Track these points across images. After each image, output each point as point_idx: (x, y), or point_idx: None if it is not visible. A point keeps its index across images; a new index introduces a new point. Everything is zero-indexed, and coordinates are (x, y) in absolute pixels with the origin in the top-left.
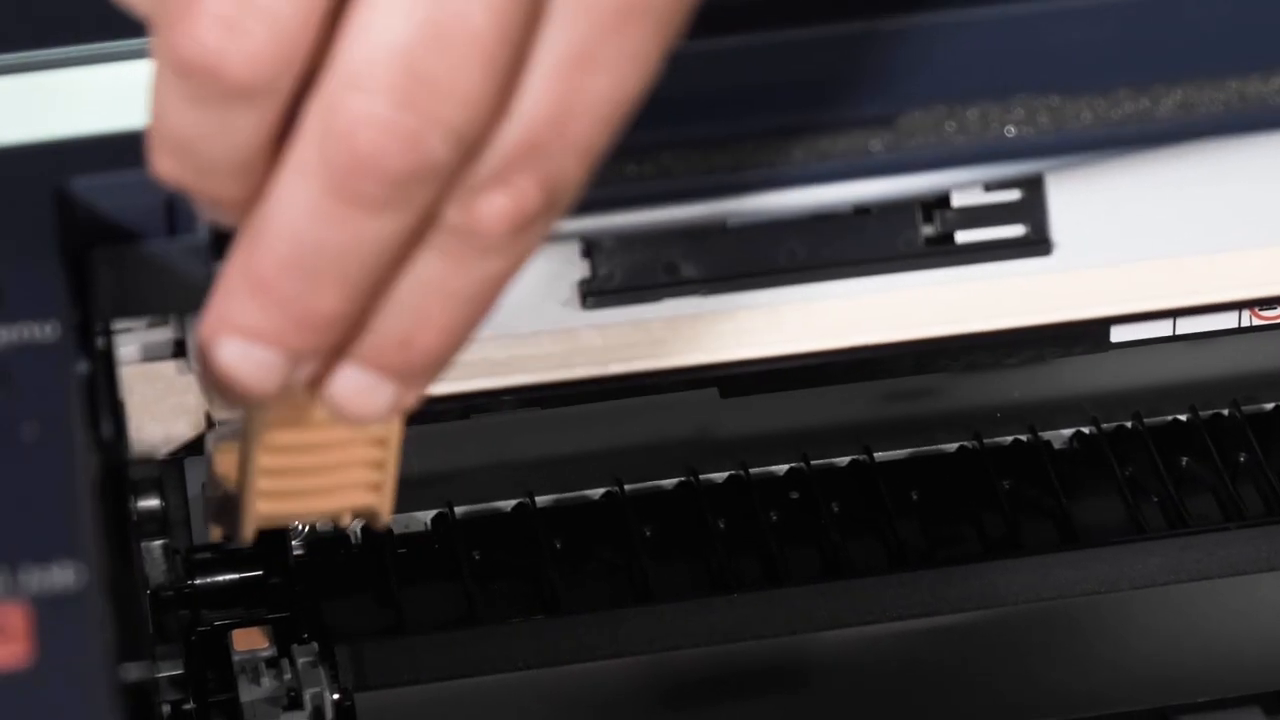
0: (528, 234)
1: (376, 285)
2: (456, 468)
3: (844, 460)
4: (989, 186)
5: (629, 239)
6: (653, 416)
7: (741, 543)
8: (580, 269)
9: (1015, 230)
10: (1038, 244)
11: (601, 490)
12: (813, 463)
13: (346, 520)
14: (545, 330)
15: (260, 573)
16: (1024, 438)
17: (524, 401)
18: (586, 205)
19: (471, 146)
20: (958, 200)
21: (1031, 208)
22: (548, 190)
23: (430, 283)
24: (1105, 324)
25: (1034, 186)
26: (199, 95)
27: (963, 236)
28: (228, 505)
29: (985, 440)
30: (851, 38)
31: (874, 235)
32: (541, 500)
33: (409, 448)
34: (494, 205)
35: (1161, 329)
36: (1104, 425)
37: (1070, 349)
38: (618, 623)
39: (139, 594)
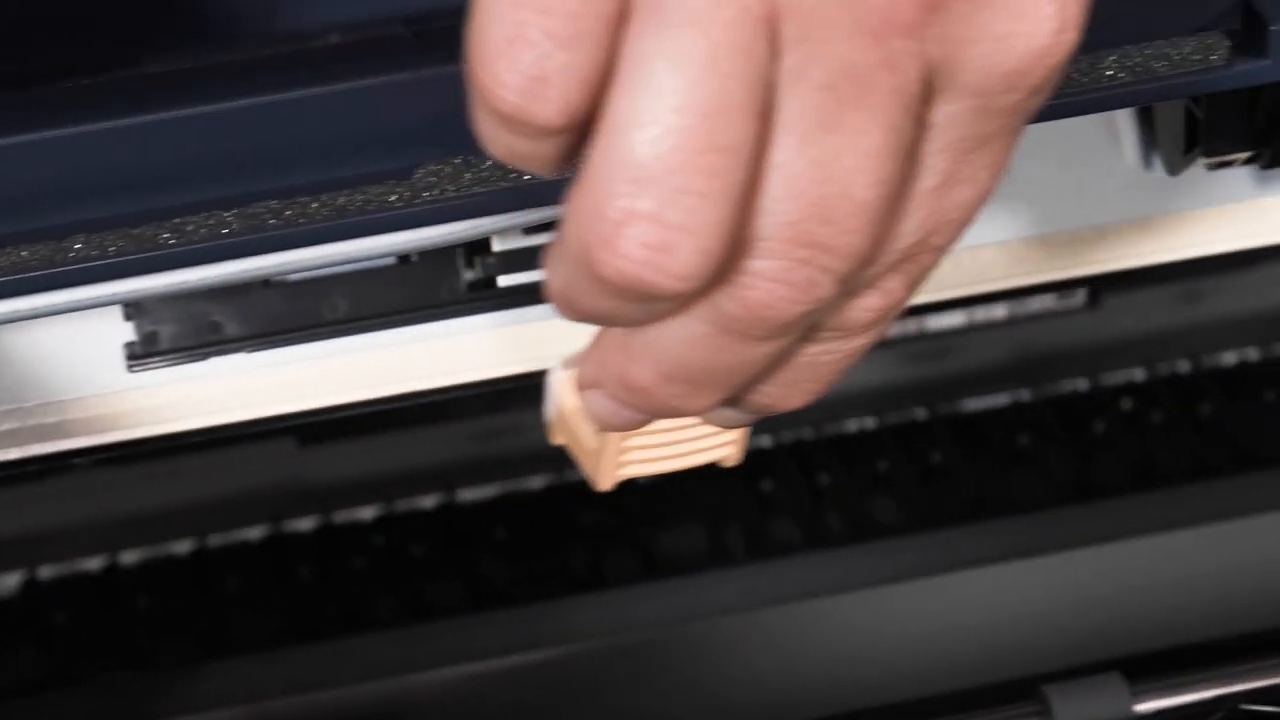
0: (892, 319)
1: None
2: (40, 531)
3: (429, 502)
4: (529, 230)
5: (171, 300)
6: (235, 469)
7: (328, 591)
8: (124, 331)
9: None
10: None
11: (188, 544)
12: (398, 506)
13: None
14: (92, 394)
15: None
16: None
17: (102, 461)
18: (127, 268)
19: (854, 281)
20: (498, 245)
21: None
22: (914, 285)
23: (799, 366)
24: None
25: None
26: (622, 299)
27: (505, 280)
28: (581, 454)
29: (569, 475)
30: (364, 92)
31: (417, 284)
32: (129, 558)
33: None
34: (866, 306)
35: None
36: None
37: None
38: (203, 678)
39: None
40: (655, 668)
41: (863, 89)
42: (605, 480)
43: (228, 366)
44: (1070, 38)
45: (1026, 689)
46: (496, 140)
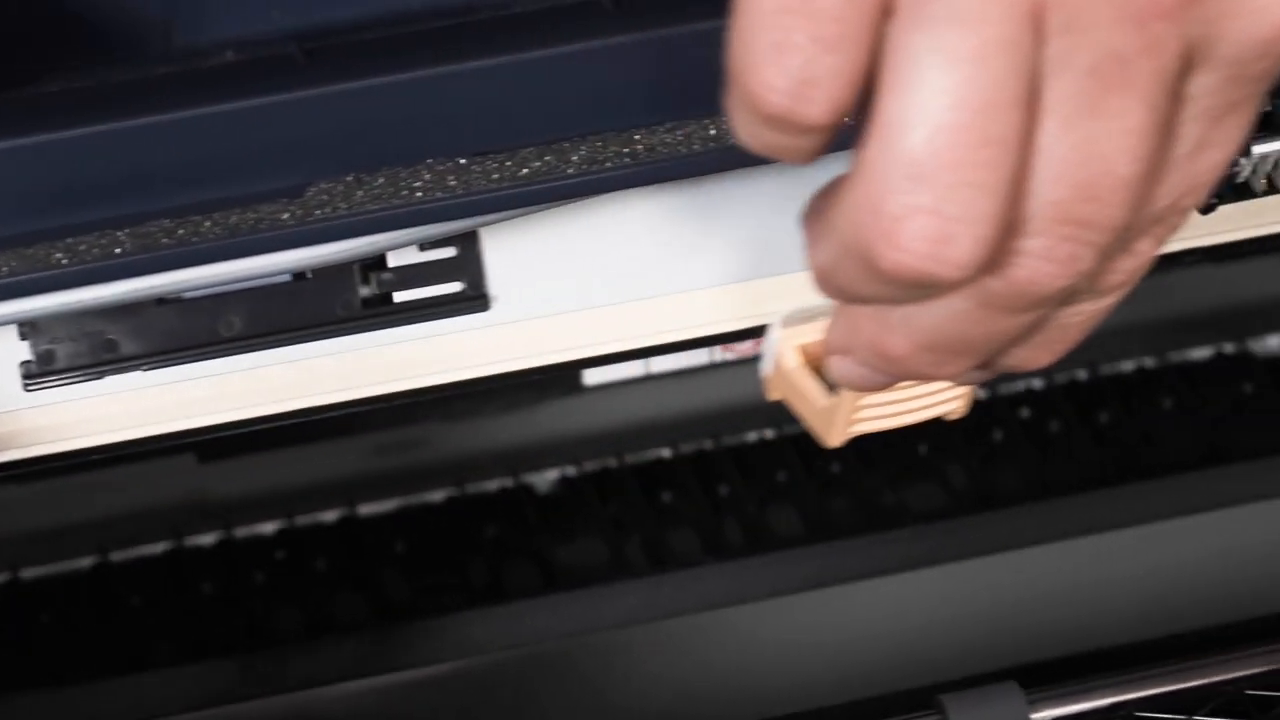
0: (1141, 277)
1: None
2: None
3: (331, 516)
4: (424, 246)
5: (66, 319)
6: (135, 486)
7: (229, 606)
8: (20, 351)
9: (452, 287)
10: (475, 299)
11: (90, 560)
12: (298, 521)
13: None
14: None
15: None
16: (508, 483)
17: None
18: (20, 288)
19: (1111, 249)
20: (394, 261)
21: (467, 264)
22: (1162, 244)
23: (1050, 329)
24: (577, 368)
25: (469, 243)
26: (898, 287)
27: (400, 296)
28: (807, 412)
29: (469, 488)
30: (255, 111)
31: (312, 300)
32: (29, 574)
33: None
34: (1119, 268)
35: (634, 369)
36: (587, 466)
37: (544, 395)
38: (106, 693)
39: None
40: (556, 680)
41: (1125, 72)
42: (836, 437)
43: (125, 384)
44: None
45: (924, 698)
46: (757, 137)
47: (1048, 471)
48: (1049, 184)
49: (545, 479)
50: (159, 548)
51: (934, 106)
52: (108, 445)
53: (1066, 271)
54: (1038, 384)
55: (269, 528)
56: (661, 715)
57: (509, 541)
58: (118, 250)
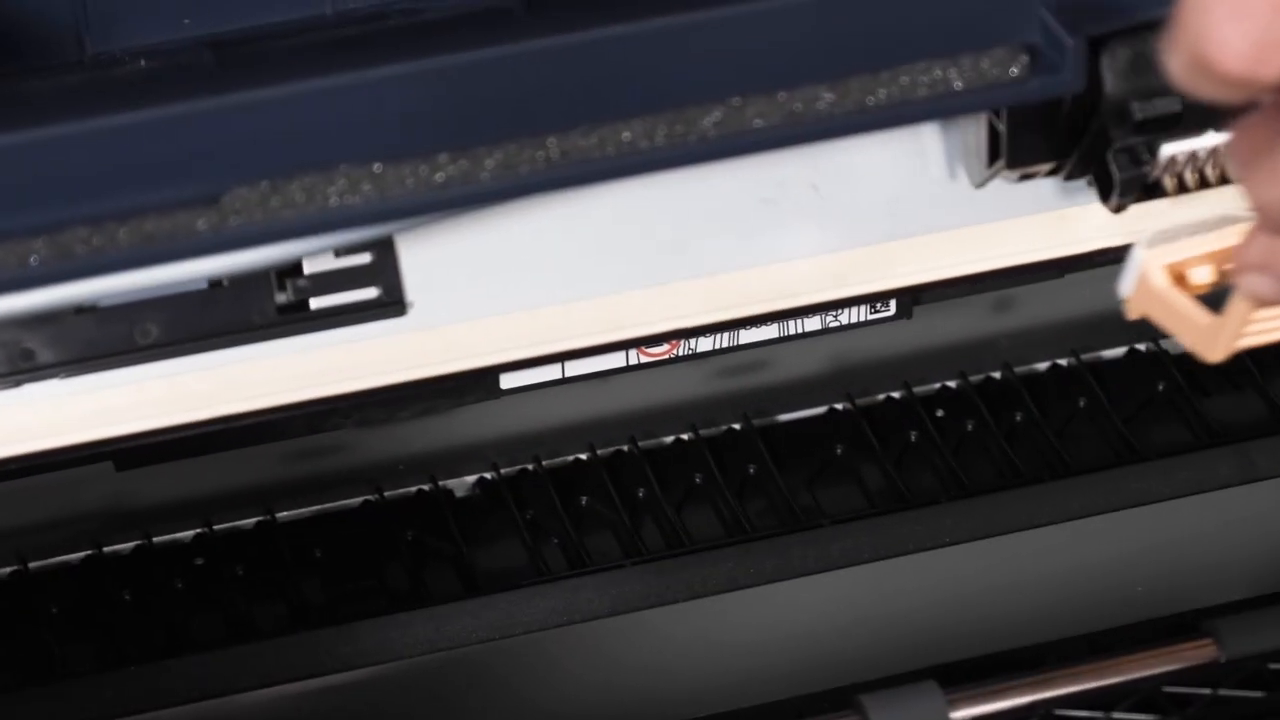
0: None
1: None
2: None
3: (249, 522)
4: (340, 252)
5: None
6: (53, 494)
7: (148, 612)
8: None
9: (368, 293)
10: (391, 305)
11: (7, 569)
12: (217, 527)
13: None
14: None
15: None
16: (426, 487)
17: None
18: None
19: None
20: (309, 267)
21: (383, 270)
22: None
23: None
24: (494, 372)
25: (385, 250)
26: None
27: (317, 302)
28: (1182, 328)
29: (387, 493)
30: (167, 120)
31: (228, 308)
32: None
33: None
34: None
35: (551, 373)
36: (504, 470)
37: (462, 399)
38: (25, 702)
39: None
40: (476, 683)
41: None
42: (1221, 352)
43: (42, 393)
44: None
45: (844, 698)
46: (1199, 89)
47: (963, 471)
48: None
49: (463, 483)
50: (77, 556)
51: None
52: (25, 455)
53: None
54: (953, 384)
55: (187, 534)
56: (581, 718)
57: (427, 546)
58: (33, 259)
